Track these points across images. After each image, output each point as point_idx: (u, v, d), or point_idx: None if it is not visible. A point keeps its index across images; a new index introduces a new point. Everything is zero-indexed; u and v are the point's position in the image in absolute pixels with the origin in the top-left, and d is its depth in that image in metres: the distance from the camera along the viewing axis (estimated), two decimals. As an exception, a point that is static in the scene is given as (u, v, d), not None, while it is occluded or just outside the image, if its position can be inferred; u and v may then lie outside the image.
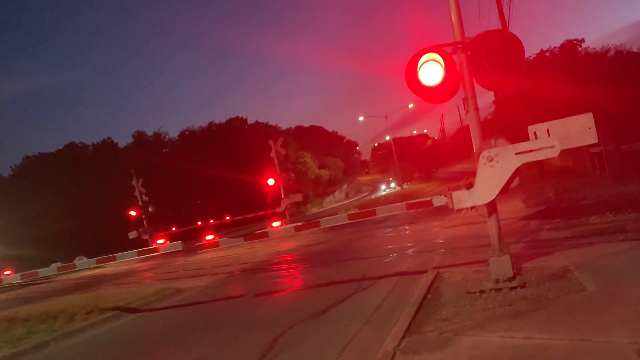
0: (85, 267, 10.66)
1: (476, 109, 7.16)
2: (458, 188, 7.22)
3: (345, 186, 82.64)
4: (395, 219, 21.37)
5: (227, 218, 35.71)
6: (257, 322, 8.80)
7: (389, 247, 14.50)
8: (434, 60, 6.73)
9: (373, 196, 65.00)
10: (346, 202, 65.60)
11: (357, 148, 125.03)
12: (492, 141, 6.84)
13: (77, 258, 10.44)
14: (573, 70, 27.48)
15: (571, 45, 32.19)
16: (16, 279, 11.28)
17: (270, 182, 30.56)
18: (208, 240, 10.14)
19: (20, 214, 45.38)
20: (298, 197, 31.36)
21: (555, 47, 32.56)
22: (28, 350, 9.64)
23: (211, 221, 34.90)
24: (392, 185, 73.16)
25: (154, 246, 10.35)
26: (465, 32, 7.15)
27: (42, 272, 10.69)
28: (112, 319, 11.28)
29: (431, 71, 6.75)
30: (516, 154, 6.54)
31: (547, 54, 32.58)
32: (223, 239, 9.96)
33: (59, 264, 10.69)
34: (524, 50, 6.69)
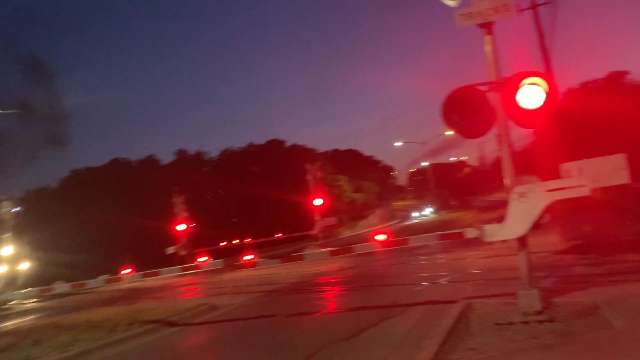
0: (130, 281, 11.28)
1: (509, 146, 7.42)
2: (490, 221, 7.46)
3: (379, 211, 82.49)
4: (430, 247, 21.39)
5: (262, 239, 36.30)
6: (288, 342, 9.13)
7: (422, 275, 14.62)
8: (469, 99, 7.06)
9: (407, 222, 64.56)
10: (380, 227, 65.48)
11: (393, 173, 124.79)
12: (523, 177, 7.08)
13: (122, 272, 11.05)
14: (617, 102, 27.13)
15: (616, 77, 31.76)
16: (65, 288, 11.96)
17: (318, 202, 30.89)
18: (246, 260, 10.60)
19: (63, 224, 47.07)
20: (332, 221, 31.79)
21: (598, 79, 32.20)
22: (74, 356, 10.20)
23: (247, 240, 35.60)
24: (427, 211, 72.14)
25: (196, 263, 10.87)
26: (502, 70, 7.46)
27: (91, 283, 11.36)
28: (152, 332, 11.79)
29: (466, 109, 7.08)
30: (547, 191, 6.76)
31: (590, 85, 32.23)
32: (261, 259, 10.42)
33: (106, 276, 11.33)
34: (556, 91, 6.95)
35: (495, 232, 7.19)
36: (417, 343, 7.39)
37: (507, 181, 7.38)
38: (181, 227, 34.52)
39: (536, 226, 7.16)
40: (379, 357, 7.04)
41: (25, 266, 33.23)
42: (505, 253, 15.31)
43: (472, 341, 6.85)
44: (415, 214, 74.53)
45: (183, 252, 33.11)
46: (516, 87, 6.95)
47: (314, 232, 31.23)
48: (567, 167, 7.03)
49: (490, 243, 8.01)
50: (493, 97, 7.41)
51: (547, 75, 7.32)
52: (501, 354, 6.07)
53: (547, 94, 6.98)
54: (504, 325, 7.28)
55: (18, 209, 11.87)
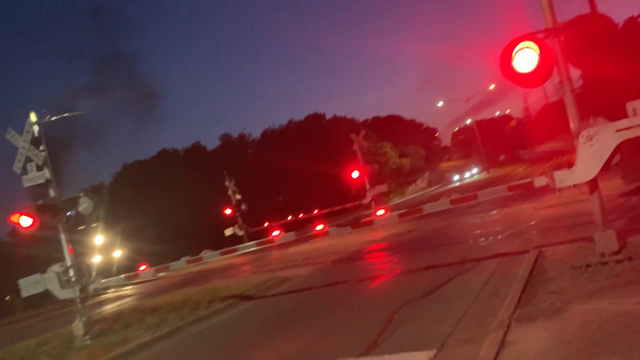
0: (210, 259, 11.90)
1: (572, 91, 7.41)
2: (555, 168, 7.53)
3: (427, 174, 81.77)
4: (484, 205, 21.30)
5: (315, 212, 36.80)
6: (367, 302, 9.53)
7: (484, 231, 14.73)
8: (527, 47, 7.08)
9: (457, 184, 63.64)
10: (430, 190, 65.08)
11: (437, 134, 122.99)
12: (591, 120, 7.09)
13: (203, 252, 11.68)
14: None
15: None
16: (150, 273, 12.71)
17: (355, 174, 31.20)
18: (318, 230, 10.99)
19: (117, 217, 49.12)
20: (383, 188, 31.83)
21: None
22: (165, 335, 10.94)
23: (315, 212, 36.22)
24: (474, 171, 70.46)
25: (270, 237, 11.36)
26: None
27: (173, 265, 12.06)
28: (232, 306, 12.46)
29: (526, 58, 7.11)
30: (616, 131, 6.77)
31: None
32: (332, 228, 10.79)
33: (187, 257, 11.97)
34: (617, 31, 6.89)
35: (566, 178, 7.26)
36: (496, 292, 7.62)
37: (572, 126, 7.40)
38: (235, 208, 35.52)
39: (606, 167, 7.19)
40: (461, 309, 7.29)
41: (117, 254, 35.28)
42: (565, 202, 15.25)
43: (552, 285, 7.01)
44: (455, 177, 71.88)
45: (241, 233, 34.20)
46: (576, 31, 6.92)
47: (366, 201, 31.42)
48: (634, 105, 6.99)
49: (559, 190, 8.06)
50: (551, 43, 7.39)
51: (602, 15, 7.21)
52: (584, 294, 6.22)
53: (604, 34, 6.95)
54: (581, 268, 7.39)
55: (96, 204, 12.55)
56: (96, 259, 33.67)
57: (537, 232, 12.00)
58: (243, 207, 35.52)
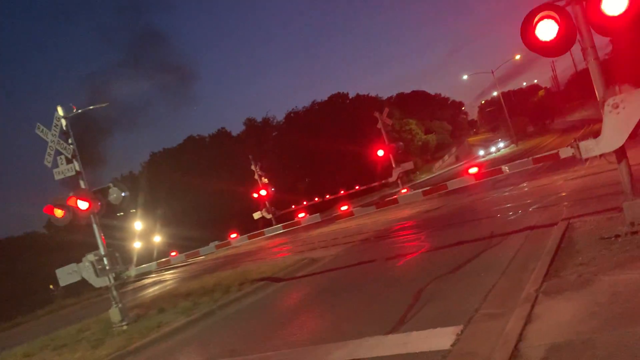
0: (239, 243, 12.10)
1: (596, 58, 7.22)
2: (584, 137, 7.38)
3: (454, 149, 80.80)
4: (513, 178, 21.02)
5: (342, 192, 36.86)
6: (394, 280, 9.58)
7: (511, 205, 14.56)
8: (548, 16, 6.91)
9: (483, 159, 62.65)
10: (458, 165, 64.38)
11: (463, 108, 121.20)
12: (616, 88, 6.91)
13: (230, 236, 11.87)
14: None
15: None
16: (179, 258, 13.00)
17: (380, 153, 31.03)
18: (343, 210, 11.03)
19: (155, 202, 50.08)
20: (410, 166, 31.66)
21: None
22: (199, 318, 11.21)
23: (327, 196, 36.34)
24: (500, 145, 68.20)
25: (296, 219, 11.47)
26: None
27: (203, 250, 12.31)
28: (262, 288, 12.68)
29: (547, 27, 6.95)
30: (643, 98, 6.59)
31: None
32: (356, 208, 10.82)
33: (216, 242, 12.20)
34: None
35: (592, 147, 7.12)
36: (524, 266, 7.57)
37: (598, 94, 7.22)
38: (262, 192, 35.79)
39: (633, 135, 7.01)
40: (489, 283, 7.28)
41: (157, 239, 36.13)
42: (595, 172, 14.94)
43: (581, 257, 6.93)
44: (481, 152, 68.21)
45: (269, 216, 34.53)
46: (598, -4, 6.71)
47: (392, 179, 31.29)
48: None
49: (585, 160, 7.92)
50: (572, 11, 7.20)
51: (557, 6, 6.99)
52: (613, 265, 6.14)
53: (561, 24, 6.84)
54: (610, 239, 7.28)
55: (124, 194, 12.85)
56: (137, 245, 34.64)
57: (566, 204, 11.81)
58: (270, 190, 35.82)
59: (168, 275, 29.38)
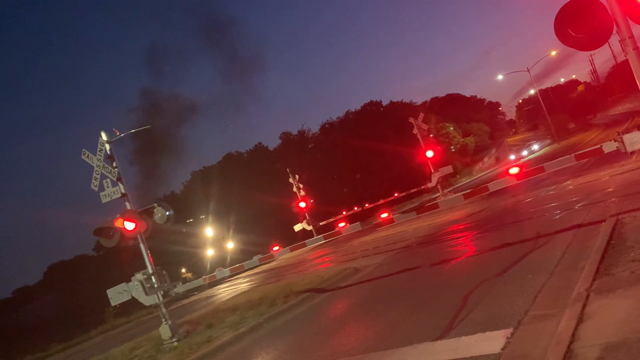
0: (282, 256, 12.22)
1: (636, 48, 7.02)
2: (628, 130, 7.18)
3: (493, 151, 79.47)
4: (556, 176, 20.51)
5: (381, 200, 36.68)
6: (440, 287, 9.47)
7: (557, 204, 14.21)
8: (582, 9, 6.78)
9: (523, 160, 60.88)
10: (498, 167, 63.12)
11: (500, 108, 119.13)
12: (659, 77, 6.71)
13: (273, 249, 12.02)
14: None
15: None
16: (225, 273, 13.23)
17: (429, 153, 30.62)
18: (383, 218, 11.01)
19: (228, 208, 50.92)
20: (449, 170, 31.26)
21: None
22: (247, 332, 11.35)
23: (366, 205, 36.22)
24: (535, 147, 64.83)
25: (337, 229, 11.51)
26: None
27: (247, 264, 12.49)
28: (307, 300, 12.74)
29: (581, 21, 6.82)
30: (688, 85, 6.37)
31: None
32: (396, 215, 10.78)
33: (259, 255, 12.37)
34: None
35: (637, 140, 6.91)
36: (573, 265, 7.38)
37: (640, 85, 7.02)
38: (302, 204, 36.00)
39: (681, 125, 6.79)
40: (537, 285, 7.12)
41: (230, 246, 36.80)
42: (639, 167, 14.45)
43: (632, 253, 6.71)
44: (511, 157, 63.50)
45: (309, 227, 34.69)
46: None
47: (432, 184, 30.98)
48: None
49: (630, 154, 7.70)
50: (606, 2, 7.05)
51: None
52: (668, 260, 5.93)
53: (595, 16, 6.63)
54: (663, 233, 7.04)
55: (169, 212, 13.18)
56: (209, 252, 35.28)
57: (614, 200, 11.44)
58: (309, 201, 36.02)
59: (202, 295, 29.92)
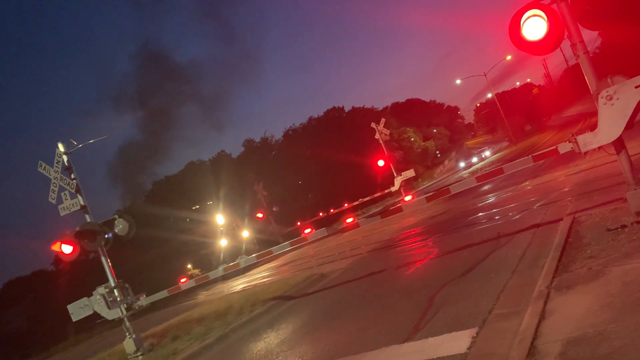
0: (248, 264, 12.12)
1: (586, 53, 7.30)
2: (582, 131, 7.43)
3: (453, 154, 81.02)
4: (515, 177, 21.05)
5: (345, 205, 36.91)
6: (406, 289, 9.57)
7: (516, 204, 14.57)
8: (535, 15, 7.02)
9: (481, 164, 61.86)
10: (458, 170, 64.30)
11: (459, 112, 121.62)
12: (609, 80, 6.98)
13: (239, 257, 11.88)
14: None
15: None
16: (189, 284, 13.03)
17: (380, 163, 31.12)
18: (348, 222, 11.06)
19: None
20: (411, 173, 31.68)
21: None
22: (213, 343, 11.22)
23: (331, 210, 36.40)
24: (487, 154, 65.32)
25: (302, 235, 11.51)
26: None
27: (212, 274, 12.33)
28: (274, 307, 12.67)
29: (534, 26, 7.05)
30: (636, 87, 6.65)
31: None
32: (362, 219, 10.85)
33: (225, 265, 12.24)
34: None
35: (590, 141, 7.17)
36: (534, 264, 7.59)
37: (591, 88, 7.29)
38: (267, 211, 35.97)
39: (629, 125, 7.07)
40: (500, 284, 7.29)
41: (245, 234, 35.46)
42: (598, 164, 14.97)
43: (589, 250, 6.94)
44: (474, 159, 64.26)
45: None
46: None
47: (395, 188, 31.35)
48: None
49: (584, 154, 7.97)
50: (558, 9, 7.31)
51: (543, 5, 7.13)
52: (622, 255, 6.15)
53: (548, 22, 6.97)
54: (617, 230, 7.29)
55: (129, 224, 12.89)
56: (223, 243, 34.10)
57: (570, 199, 11.83)
58: (274, 209, 35.96)
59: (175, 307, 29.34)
